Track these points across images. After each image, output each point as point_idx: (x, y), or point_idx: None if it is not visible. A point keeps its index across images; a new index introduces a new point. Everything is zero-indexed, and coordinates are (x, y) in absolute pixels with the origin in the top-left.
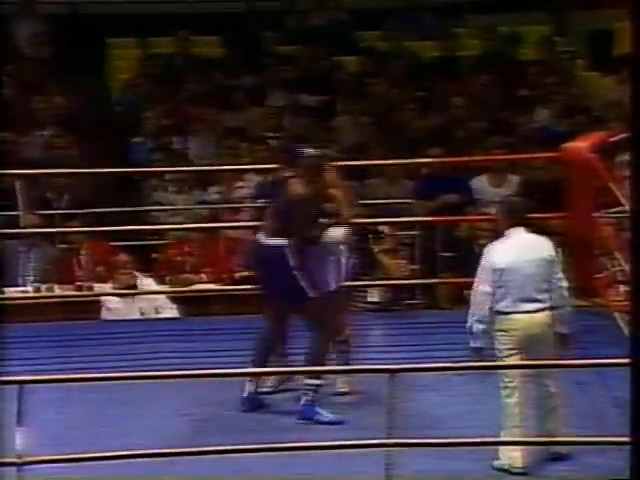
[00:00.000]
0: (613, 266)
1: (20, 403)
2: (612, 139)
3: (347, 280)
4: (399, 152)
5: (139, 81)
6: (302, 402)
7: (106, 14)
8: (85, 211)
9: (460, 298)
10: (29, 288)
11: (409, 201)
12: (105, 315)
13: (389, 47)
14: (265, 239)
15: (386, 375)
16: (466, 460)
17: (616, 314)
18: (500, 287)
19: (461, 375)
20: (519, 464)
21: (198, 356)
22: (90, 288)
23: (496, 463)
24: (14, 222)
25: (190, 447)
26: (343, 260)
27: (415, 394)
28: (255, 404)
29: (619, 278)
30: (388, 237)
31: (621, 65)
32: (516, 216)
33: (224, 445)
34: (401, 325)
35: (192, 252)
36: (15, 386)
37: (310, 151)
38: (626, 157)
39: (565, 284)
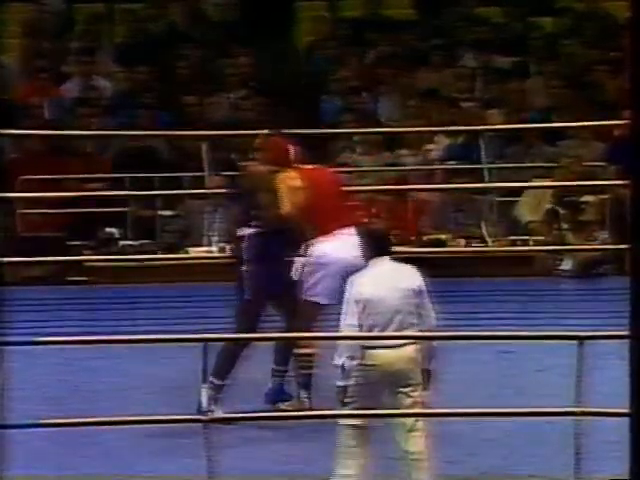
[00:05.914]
0: None
1: (205, 361)
2: None
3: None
4: (592, 114)
5: (327, 43)
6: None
7: None
8: None
9: None
10: (214, 248)
11: (600, 164)
12: None
13: (585, 7)
14: None
15: (575, 342)
16: None
17: None
18: (366, 320)
19: None
20: None
21: None
22: None
23: None
24: (200, 183)
25: None
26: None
27: (602, 362)
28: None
29: None
30: (590, 207)
31: None
32: (379, 245)
33: None
34: (591, 291)
35: (379, 214)
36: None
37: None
38: None
39: (434, 316)
